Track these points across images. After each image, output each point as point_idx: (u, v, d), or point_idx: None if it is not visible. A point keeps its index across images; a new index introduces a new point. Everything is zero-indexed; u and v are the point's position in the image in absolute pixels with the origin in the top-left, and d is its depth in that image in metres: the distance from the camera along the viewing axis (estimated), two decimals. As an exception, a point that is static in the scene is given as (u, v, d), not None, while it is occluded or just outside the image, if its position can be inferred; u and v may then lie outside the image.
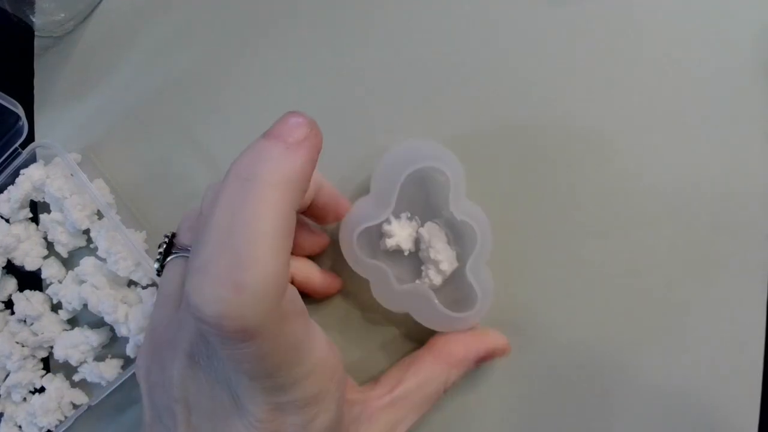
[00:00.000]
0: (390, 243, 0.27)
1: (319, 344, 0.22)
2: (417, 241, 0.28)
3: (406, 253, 0.28)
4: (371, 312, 0.30)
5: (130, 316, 0.31)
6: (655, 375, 0.28)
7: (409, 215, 0.28)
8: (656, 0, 0.29)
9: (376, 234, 0.28)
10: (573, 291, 0.29)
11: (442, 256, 0.27)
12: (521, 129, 0.30)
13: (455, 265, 0.27)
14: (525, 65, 0.30)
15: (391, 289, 0.27)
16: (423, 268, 0.28)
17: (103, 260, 0.32)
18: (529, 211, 0.29)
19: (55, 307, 0.34)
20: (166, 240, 0.25)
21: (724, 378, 0.28)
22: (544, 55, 0.30)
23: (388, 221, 0.27)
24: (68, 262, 0.34)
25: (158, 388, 0.23)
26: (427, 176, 0.28)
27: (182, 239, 0.25)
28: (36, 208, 0.35)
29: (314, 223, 0.29)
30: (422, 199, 0.29)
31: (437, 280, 0.27)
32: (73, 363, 0.32)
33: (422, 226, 0.28)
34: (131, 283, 0.33)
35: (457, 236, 0.28)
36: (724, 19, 0.28)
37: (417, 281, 0.27)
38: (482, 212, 0.27)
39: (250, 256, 0.17)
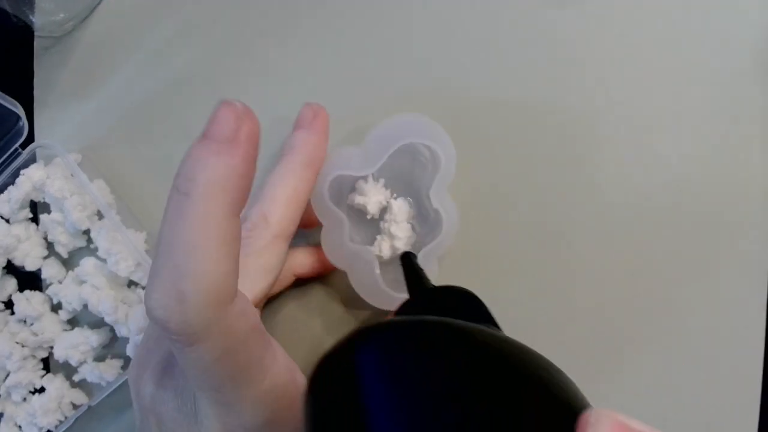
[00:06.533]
0: (358, 200, 0.28)
1: (278, 370, 0.22)
2: (384, 211, 0.28)
3: (368, 217, 0.28)
4: (352, 303, 0.30)
5: (130, 316, 0.31)
6: (655, 375, 0.28)
7: (386, 183, 0.28)
8: (657, 0, 0.29)
9: (348, 186, 0.28)
10: (571, 290, 0.29)
11: (402, 234, 0.27)
12: (519, 129, 0.30)
13: (410, 247, 0.28)
14: (525, 65, 0.30)
15: (340, 242, 0.27)
16: (378, 237, 0.28)
17: (104, 261, 0.32)
18: (527, 211, 0.29)
19: (55, 308, 0.34)
20: None
21: (724, 378, 0.28)
22: (544, 55, 0.30)
23: (365, 179, 0.28)
24: (68, 263, 0.34)
25: (139, 397, 0.24)
26: (419, 155, 0.28)
27: None
28: (36, 209, 0.35)
29: None
30: (407, 176, 0.29)
31: (387, 254, 0.27)
32: (73, 363, 0.32)
33: (396, 199, 0.28)
34: (131, 284, 0.33)
35: (424, 224, 0.28)
36: (724, 19, 0.28)
37: (368, 246, 0.28)
38: (456, 211, 0.27)
39: (188, 268, 0.18)
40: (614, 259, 0.28)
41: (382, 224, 0.28)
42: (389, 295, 0.27)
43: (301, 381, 0.23)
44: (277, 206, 0.26)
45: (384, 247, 0.27)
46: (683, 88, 0.28)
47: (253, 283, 0.25)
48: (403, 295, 0.25)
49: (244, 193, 0.19)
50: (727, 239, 0.28)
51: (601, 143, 0.29)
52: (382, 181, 0.28)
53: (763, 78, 0.28)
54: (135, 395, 0.24)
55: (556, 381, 0.15)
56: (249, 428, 0.21)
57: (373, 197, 0.28)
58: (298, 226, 0.29)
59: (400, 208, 0.28)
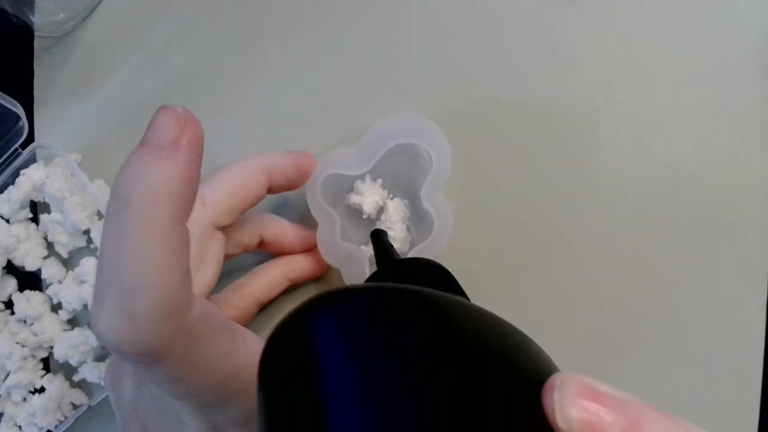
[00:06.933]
0: (354, 199, 0.28)
1: (255, 358, 0.21)
2: (380, 211, 0.28)
3: (364, 216, 0.28)
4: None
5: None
6: (655, 375, 0.28)
7: (383, 184, 0.28)
8: (657, 0, 0.29)
9: (347, 187, 0.29)
10: (571, 290, 0.29)
11: (397, 236, 0.28)
12: (519, 129, 0.30)
13: (405, 248, 0.28)
14: (525, 65, 0.30)
15: (333, 240, 0.27)
16: None
17: (103, 260, 0.32)
18: (527, 211, 0.29)
19: (55, 308, 0.34)
20: None
21: (724, 378, 0.28)
22: (544, 55, 0.30)
23: (362, 179, 0.28)
24: (68, 263, 0.34)
25: (119, 402, 0.23)
26: (419, 157, 0.28)
27: None
28: (36, 209, 0.35)
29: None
30: (407, 177, 0.29)
31: None
32: (73, 363, 0.32)
33: (392, 199, 0.28)
34: (131, 284, 0.33)
35: (421, 225, 0.28)
36: (724, 19, 0.28)
37: (362, 246, 0.28)
38: (451, 212, 0.27)
39: (137, 283, 0.16)
40: (614, 259, 0.28)
41: (378, 224, 0.28)
42: None
43: None
44: (219, 192, 0.25)
45: None
46: (683, 88, 0.28)
47: (196, 276, 0.23)
48: None
49: (189, 200, 0.18)
50: (727, 239, 0.28)
51: (601, 143, 0.29)
52: (379, 181, 0.28)
53: (763, 78, 0.28)
54: (114, 400, 0.23)
55: (525, 347, 0.15)
56: (239, 422, 0.21)
57: (369, 197, 0.28)
58: (311, 273, 0.29)
59: (396, 208, 0.28)
